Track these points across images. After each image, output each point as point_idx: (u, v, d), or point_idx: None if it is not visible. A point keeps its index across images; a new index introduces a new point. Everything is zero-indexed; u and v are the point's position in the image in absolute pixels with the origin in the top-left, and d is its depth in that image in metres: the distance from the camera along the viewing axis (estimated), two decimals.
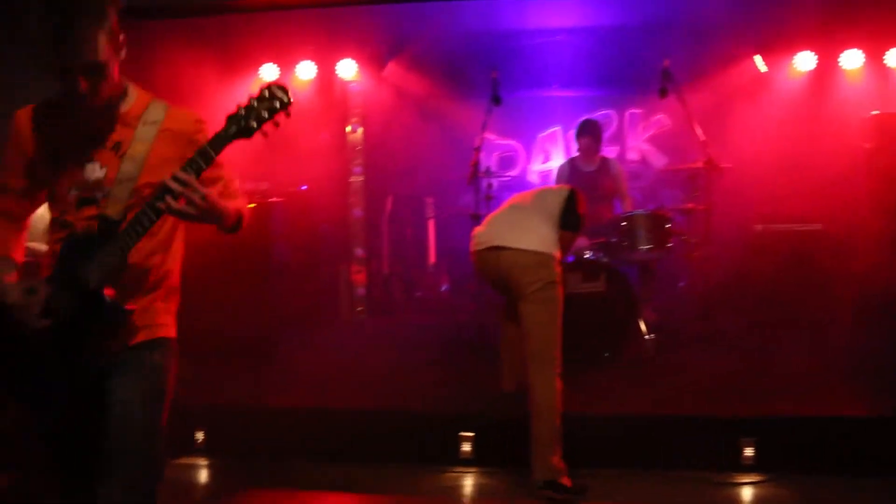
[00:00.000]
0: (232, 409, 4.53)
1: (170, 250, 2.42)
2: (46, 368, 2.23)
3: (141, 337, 2.33)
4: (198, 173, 2.14)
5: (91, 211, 2.24)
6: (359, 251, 7.73)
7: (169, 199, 2.10)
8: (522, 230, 3.92)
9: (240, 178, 6.18)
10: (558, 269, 3.85)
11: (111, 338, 2.23)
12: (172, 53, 6.27)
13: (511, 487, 3.95)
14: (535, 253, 3.82)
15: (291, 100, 2.19)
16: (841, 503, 3.73)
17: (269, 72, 7.47)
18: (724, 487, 3.95)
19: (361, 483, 4.08)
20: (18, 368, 2.28)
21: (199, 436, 4.40)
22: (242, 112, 2.17)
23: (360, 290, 7.68)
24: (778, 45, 7.26)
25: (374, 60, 7.77)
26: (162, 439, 2.34)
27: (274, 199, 6.06)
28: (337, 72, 7.60)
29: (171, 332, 2.44)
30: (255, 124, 2.16)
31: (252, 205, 5.81)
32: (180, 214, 2.15)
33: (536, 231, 3.91)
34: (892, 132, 5.96)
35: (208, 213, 2.19)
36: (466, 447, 4.22)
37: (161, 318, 2.40)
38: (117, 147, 2.27)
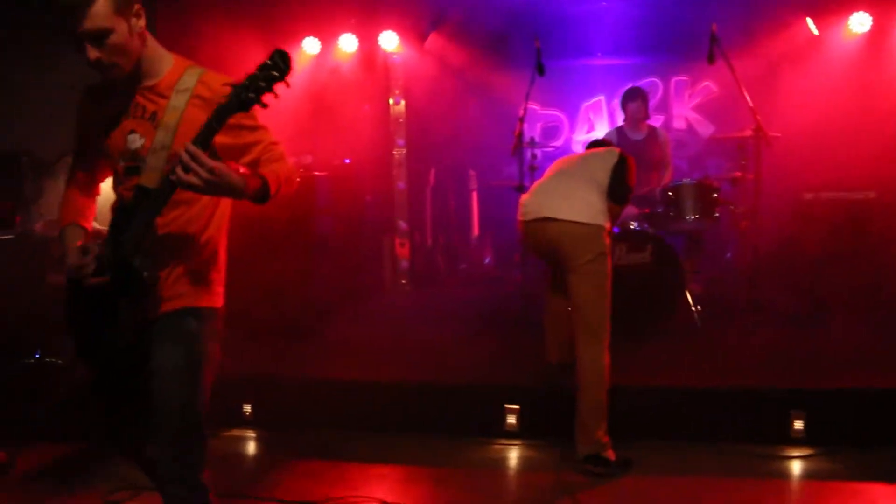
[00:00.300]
0: (279, 382, 4.59)
1: (211, 219, 2.46)
2: (96, 326, 2.37)
3: (178, 304, 2.39)
4: (204, 146, 2.10)
5: (135, 180, 2.31)
6: (402, 224, 7.74)
7: (179, 170, 2.09)
8: (571, 200, 3.81)
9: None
10: (608, 241, 3.79)
11: (137, 305, 2.30)
12: (215, 29, 6.31)
13: (556, 460, 3.94)
14: (585, 224, 3.74)
15: (290, 68, 2.11)
16: (891, 476, 3.65)
17: (311, 45, 7.48)
18: (773, 461, 3.90)
19: (406, 455, 4.11)
20: (80, 325, 2.43)
21: (247, 408, 4.47)
22: (246, 82, 2.11)
23: (404, 263, 7.71)
24: (831, 6, 7.04)
25: (415, 32, 7.72)
26: (199, 403, 2.37)
27: (317, 173, 6.09)
28: (379, 44, 7.57)
29: (212, 300, 2.48)
30: (253, 95, 2.10)
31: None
32: (188, 187, 2.11)
33: (585, 201, 3.80)
34: None
35: (216, 187, 2.13)
36: (511, 419, 4.23)
37: (201, 286, 2.44)
38: (153, 117, 2.34)
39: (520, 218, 4.04)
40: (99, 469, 3.94)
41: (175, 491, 2.37)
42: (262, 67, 2.10)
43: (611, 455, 3.71)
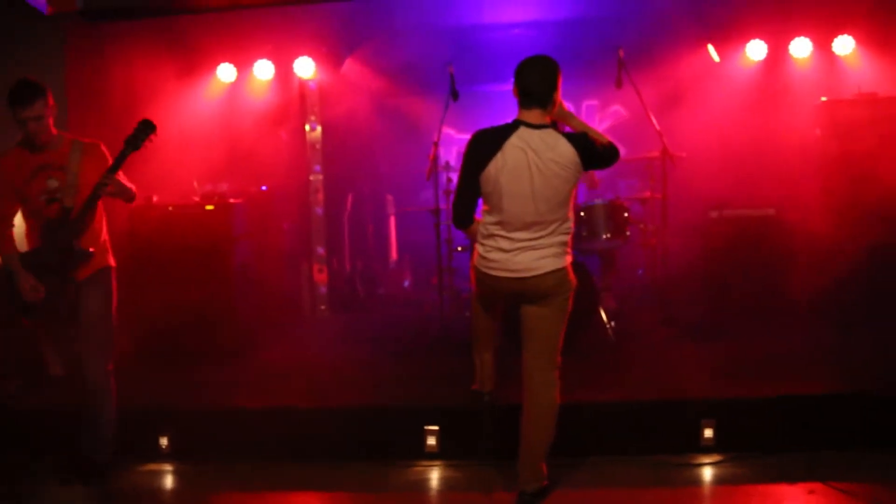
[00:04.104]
0: (196, 413, 4.52)
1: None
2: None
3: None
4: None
5: (55, 205, 3.90)
6: (320, 250, 7.71)
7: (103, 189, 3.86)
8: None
9: (199, 179, 6.17)
10: (572, 275, 3.72)
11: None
12: (129, 55, 6.22)
13: (475, 480, 4.00)
14: (559, 269, 3.64)
15: (155, 127, 4.02)
16: (797, 477, 3.83)
17: (226, 72, 7.40)
18: (686, 469, 4.05)
19: (328, 481, 4.10)
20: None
21: (164, 441, 4.38)
22: (131, 136, 3.94)
23: (323, 289, 7.67)
24: (730, 34, 7.36)
25: (331, 58, 7.74)
26: None
27: (234, 200, 6.03)
28: (294, 70, 7.55)
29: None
30: (141, 141, 3.96)
31: (210, 207, 5.79)
32: (111, 194, 3.92)
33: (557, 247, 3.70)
34: (841, 118, 6.11)
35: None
36: (432, 441, 4.26)
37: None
38: (63, 168, 3.89)
39: (488, 271, 3.71)
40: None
41: None
42: (138, 128, 3.96)
43: (546, 482, 3.72)
